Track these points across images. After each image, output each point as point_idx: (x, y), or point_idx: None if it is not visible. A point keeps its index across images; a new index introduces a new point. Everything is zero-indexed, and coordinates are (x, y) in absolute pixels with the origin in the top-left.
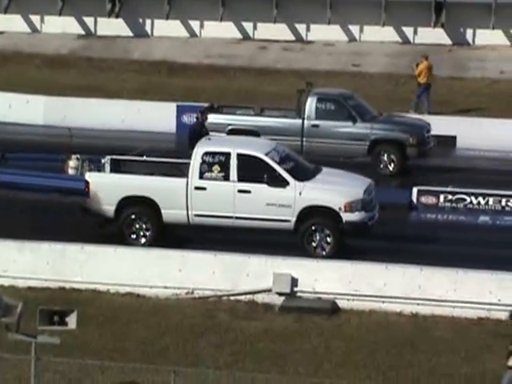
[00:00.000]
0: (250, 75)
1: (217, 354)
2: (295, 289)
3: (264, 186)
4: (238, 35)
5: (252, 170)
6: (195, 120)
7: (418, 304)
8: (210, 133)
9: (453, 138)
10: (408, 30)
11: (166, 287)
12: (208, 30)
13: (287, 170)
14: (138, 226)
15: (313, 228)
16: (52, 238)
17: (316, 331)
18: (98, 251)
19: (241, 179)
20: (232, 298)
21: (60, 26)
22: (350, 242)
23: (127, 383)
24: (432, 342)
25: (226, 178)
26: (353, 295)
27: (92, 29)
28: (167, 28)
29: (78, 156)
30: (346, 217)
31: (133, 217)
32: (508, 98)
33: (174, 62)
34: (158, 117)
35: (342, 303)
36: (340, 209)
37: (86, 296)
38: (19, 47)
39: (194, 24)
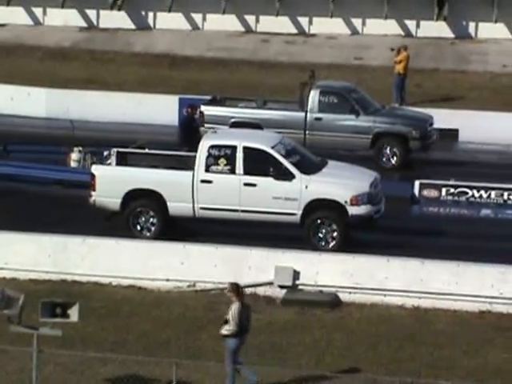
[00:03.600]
0: (253, 68)
1: (218, 347)
2: (297, 282)
3: (270, 180)
4: (241, 28)
5: (258, 164)
6: (185, 114)
7: (420, 297)
8: (213, 125)
9: (455, 131)
10: (410, 23)
11: (167, 280)
12: (210, 23)
13: (293, 164)
14: (143, 218)
15: (319, 221)
16: (54, 231)
17: (317, 324)
18: (99, 244)
19: (247, 172)
20: None
21: (62, 19)
22: (352, 234)
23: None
24: (433, 335)
25: (232, 171)
26: (354, 288)
27: (94, 21)
28: (169, 21)
29: (80, 148)
30: (352, 210)
31: (139, 210)
32: (510, 91)
33: (176, 54)
34: (159, 109)
35: (344, 296)
36: (346, 202)
37: (87, 288)
38: (21, 40)
39: (197, 17)
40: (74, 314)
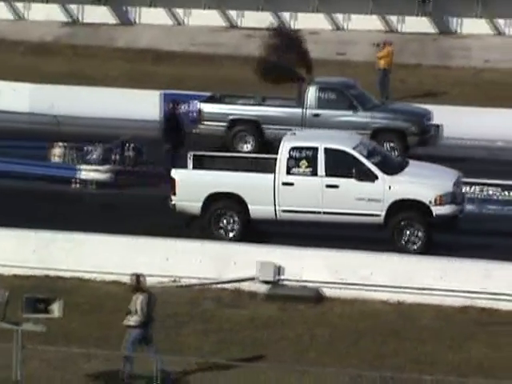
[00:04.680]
0: (236, 63)
1: (202, 342)
2: (281, 277)
3: (352, 181)
4: (224, 23)
5: (340, 165)
6: (168, 110)
7: (404, 292)
8: (211, 123)
9: (437, 127)
10: (394, 19)
11: (152, 275)
12: (194, 18)
13: (375, 164)
14: (225, 221)
15: (403, 223)
16: (38, 226)
17: (301, 319)
18: (83, 239)
19: (329, 174)
20: (218, 286)
21: (45, 13)
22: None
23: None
24: (417, 331)
25: (314, 173)
26: (339, 283)
27: (77, 16)
28: (153, 16)
29: (65, 144)
30: (437, 210)
31: (219, 212)
32: (492, 87)
33: (159, 49)
34: (142, 104)
35: (328, 291)
36: (430, 202)
37: (71, 284)
38: (4, 34)
39: (180, 12)
40: (57, 309)
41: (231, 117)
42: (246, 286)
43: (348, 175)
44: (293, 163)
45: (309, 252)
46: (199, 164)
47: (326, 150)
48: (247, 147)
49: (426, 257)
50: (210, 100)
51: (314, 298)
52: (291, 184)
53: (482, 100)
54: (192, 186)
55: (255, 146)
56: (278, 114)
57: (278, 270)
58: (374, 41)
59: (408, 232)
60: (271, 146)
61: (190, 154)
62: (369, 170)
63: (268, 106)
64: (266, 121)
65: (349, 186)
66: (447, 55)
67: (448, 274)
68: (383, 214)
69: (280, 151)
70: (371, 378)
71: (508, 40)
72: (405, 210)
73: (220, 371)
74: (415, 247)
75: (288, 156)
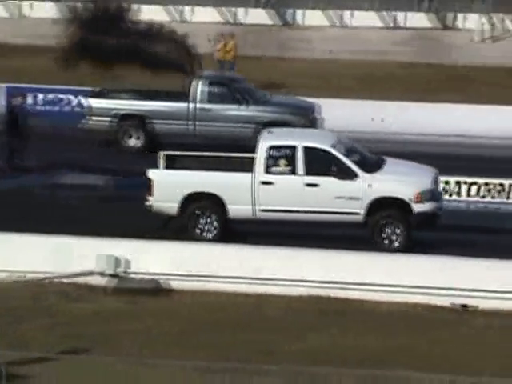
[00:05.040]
0: None
1: (45, 337)
2: (128, 270)
3: (332, 179)
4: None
5: (319, 163)
6: (7, 104)
7: (252, 283)
8: (100, 118)
9: None
10: (236, 11)
11: None
12: (36, 10)
13: (355, 162)
14: (203, 221)
15: (383, 221)
16: None
17: (149, 312)
18: None
19: (308, 173)
20: (63, 280)
21: None
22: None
23: None
24: (265, 321)
25: (293, 171)
26: (186, 276)
27: None
28: None
29: None
30: (417, 207)
31: (198, 213)
32: (335, 78)
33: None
34: None
35: (176, 284)
36: (410, 200)
37: None
38: None
39: (23, 4)
40: None
41: (119, 112)
42: (92, 280)
43: (327, 173)
44: (271, 162)
45: (155, 245)
46: (172, 164)
47: (305, 149)
48: (135, 142)
49: (273, 247)
50: (98, 95)
51: (160, 290)
52: (270, 183)
53: (324, 91)
54: (169, 186)
55: (143, 141)
56: (165, 108)
57: (122, 262)
58: (214, 33)
59: (388, 230)
60: (159, 141)
61: (162, 154)
62: (348, 168)
63: (156, 100)
64: (154, 115)
65: (328, 184)
66: (289, 47)
67: (295, 264)
68: (363, 212)
69: (258, 150)
70: (219, 369)
71: (350, 31)
72: (385, 207)
73: (66, 365)
74: (396, 245)
75: (266, 155)
